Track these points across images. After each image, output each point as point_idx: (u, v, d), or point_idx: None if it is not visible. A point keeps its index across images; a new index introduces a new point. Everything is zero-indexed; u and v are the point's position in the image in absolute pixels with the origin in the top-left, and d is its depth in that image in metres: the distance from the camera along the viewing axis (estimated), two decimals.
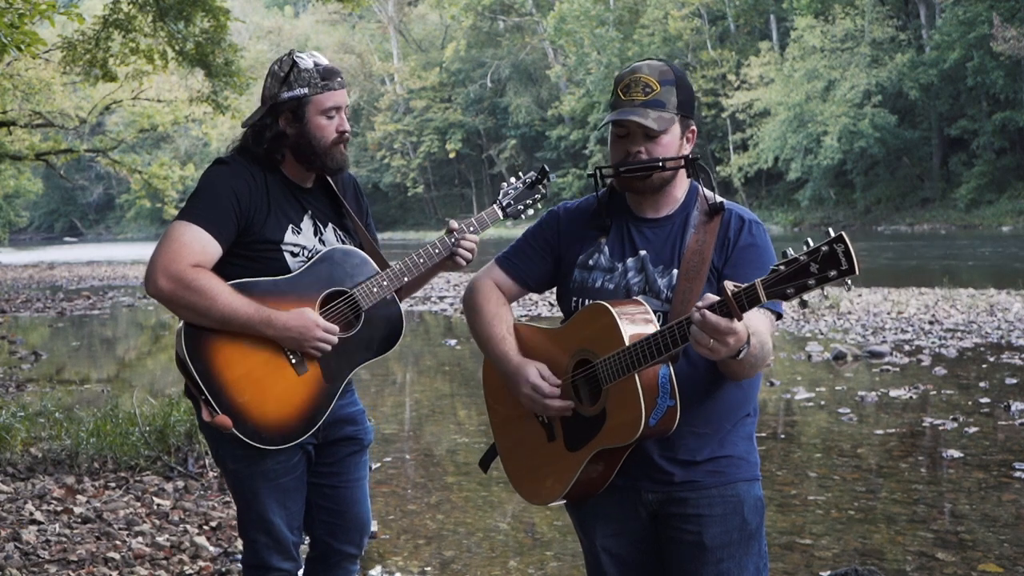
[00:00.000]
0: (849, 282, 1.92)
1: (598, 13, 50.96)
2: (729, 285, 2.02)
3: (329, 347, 2.76)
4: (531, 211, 3.15)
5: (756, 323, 2.24)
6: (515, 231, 47.85)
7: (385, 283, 2.86)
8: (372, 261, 2.91)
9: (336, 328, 2.78)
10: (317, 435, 2.90)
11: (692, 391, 2.33)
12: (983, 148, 38.58)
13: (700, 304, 2.05)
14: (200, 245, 2.69)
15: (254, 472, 2.82)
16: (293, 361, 2.75)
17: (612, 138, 2.42)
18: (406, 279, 2.90)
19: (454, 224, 3.01)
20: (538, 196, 3.16)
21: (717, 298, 2.03)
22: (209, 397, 2.67)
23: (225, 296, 2.67)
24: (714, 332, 2.02)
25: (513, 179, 3.16)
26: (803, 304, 2.06)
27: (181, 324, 2.72)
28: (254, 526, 2.87)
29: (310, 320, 2.72)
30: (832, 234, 1.91)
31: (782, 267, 1.96)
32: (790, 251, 1.97)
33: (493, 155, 57.98)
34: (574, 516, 2.59)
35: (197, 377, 2.67)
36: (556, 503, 2.49)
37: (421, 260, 2.91)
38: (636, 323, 2.27)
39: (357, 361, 2.87)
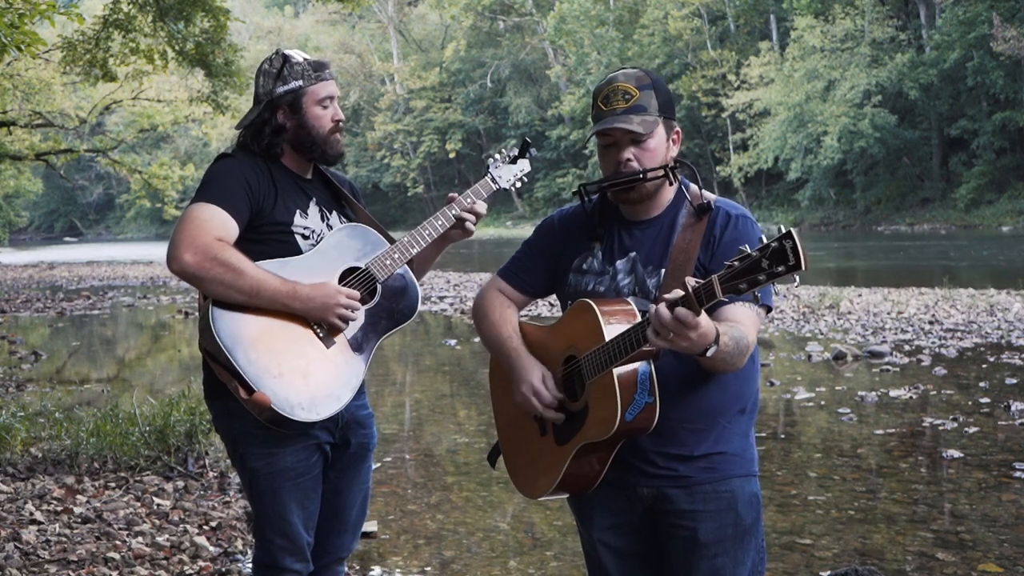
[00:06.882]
0: (797, 278, 1.95)
1: (598, 13, 50.97)
2: (690, 281, 2.06)
3: (353, 315, 2.80)
4: (519, 184, 3.23)
5: (738, 315, 2.30)
6: (515, 231, 47.86)
7: (396, 255, 2.92)
8: (382, 237, 2.98)
9: (357, 294, 2.82)
10: (335, 434, 2.92)
11: (679, 386, 2.36)
12: (983, 148, 38.57)
13: (667, 298, 2.08)
14: (220, 221, 2.72)
15: (274, 471, 2.83)
16: (320, 335, 2.79)
17: (600, 150, 2.47)
18: (415, 250, 2.96)
19: (455, 196, 3.09)
20: (524, 170, 3.23)
21: (681, 293, 2.06)
22: (246, 377, 2.66)
23: (252, 267, 2.69)
24: (672, 326, 2.05)
25: (497, 155, 3.23)
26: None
27: (207, 310, 2.69)
28: (272, 527, 2.87)
29: (332, 288, 2.77)
30: (783, 230, 1.95)
31: (736, 263, 2.00)
32: (746, 247, 2.00)
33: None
34: (574, 510, 2.62)
35: (231, 358, 2.65)
36: (548, 497, 2.52)
37: (427, 232, 2.98)
38: (618, 320, 2.31)
39: (380, 331, 2.91)
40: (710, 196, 2.46)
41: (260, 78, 2.92)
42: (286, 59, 2.89)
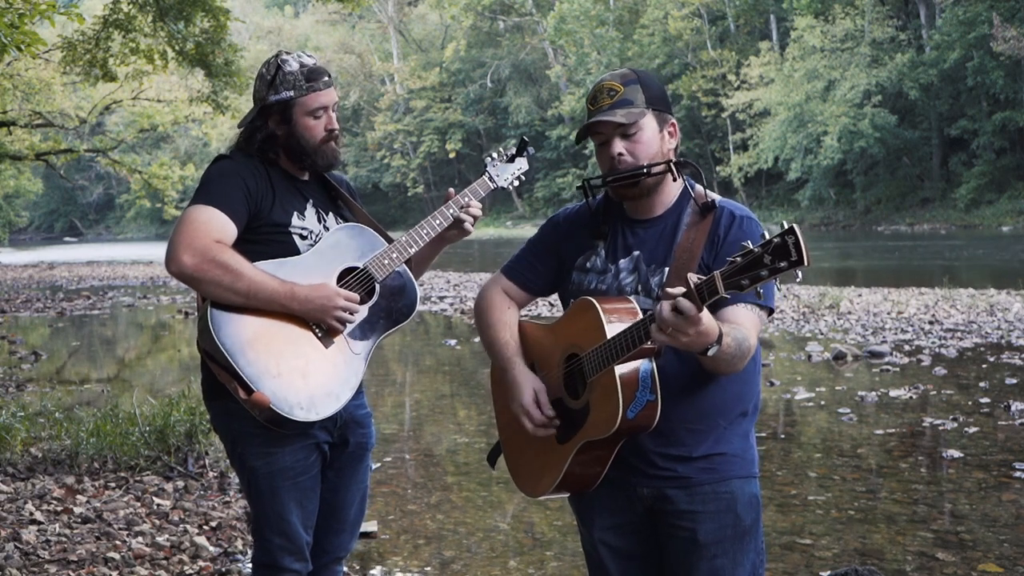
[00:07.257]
0: (799, 273, 1.95)
1: (598, 13, 50.98)
2: (692, 277, 2.06)
3: (352, 317, 2.80)
4: (516, 183, 3.23)
5: (740, 317, 2.30)
6: (515, 231, 47.85)
7: (395, 255, 2.92)
8: (379, 236, 2.98)
9: (356, 296, 2.82)
10: (333, 434, 2.93)
11: (681, 386, 2.36)
12: (983, 148, 38.57)
13: (669, 291, 2.08)
14: (219, 223, 2.72)
15: (273, 470, 2.83)
16: (319, 335, 2.79)
17: (596, 149, 2.48)
18: (413, 249, 2.96)
19: (452, 192, 3.09)
20: (522, 169, 3.24)
21: (683, 289, 2.06)
22: (245, 377, 2.66)
23: (250, 269, 2.70)
24: (673, 321, 2.05)
25: (495, 154, 3.24)
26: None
27: (205, 311, 2.70)
28: (271, 526, 2.87)
29: (331, 290, 2.77)
30: (785, 226, 1.95)
31: (739, 259, 2.00)
32: (748, 244, 2.00)
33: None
34: (575, 509, 2.63)
35: (229, 359, 2.65)
36: (549, 496, 2.52)
37: (425, 231, 2.98)
38: (620, 317, 2.31)
39: (379, 330, 2.91)
40: (714, 196, 2.47)
41: (257, 82, 2.92)
42: (279, 67, 2.87)
